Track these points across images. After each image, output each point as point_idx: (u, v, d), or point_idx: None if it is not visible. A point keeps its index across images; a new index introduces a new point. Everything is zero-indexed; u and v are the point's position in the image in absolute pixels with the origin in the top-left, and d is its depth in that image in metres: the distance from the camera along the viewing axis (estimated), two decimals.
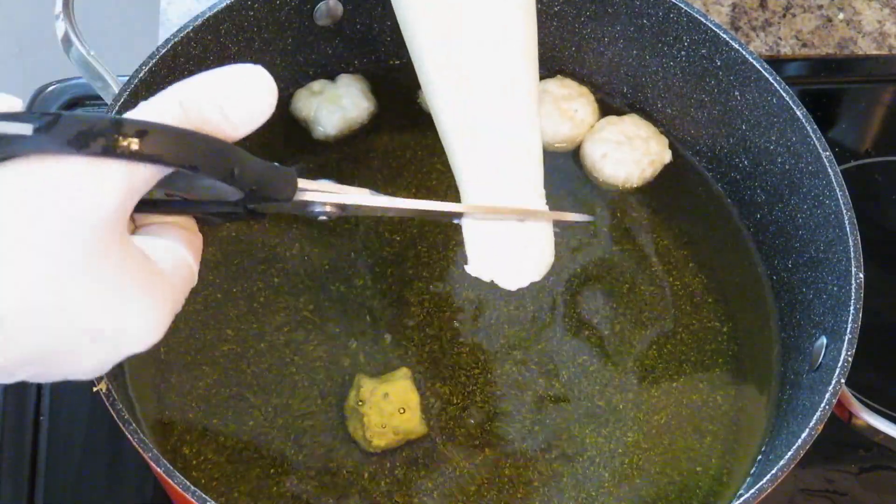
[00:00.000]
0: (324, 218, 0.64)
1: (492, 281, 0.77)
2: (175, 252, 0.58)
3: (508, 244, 0.76)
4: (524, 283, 0.77)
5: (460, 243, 0.80)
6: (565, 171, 0.97)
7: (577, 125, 0.97)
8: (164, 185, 0.55)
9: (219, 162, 0.54)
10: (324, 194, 0.63)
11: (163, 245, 0.58)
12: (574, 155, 0.98)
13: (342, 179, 0.87)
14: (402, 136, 0.98)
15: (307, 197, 0.62)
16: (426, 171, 0.96)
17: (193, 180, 0.57)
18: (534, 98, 0.78)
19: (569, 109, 0.97)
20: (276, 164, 0.59)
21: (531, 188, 0.77)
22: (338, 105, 0.96)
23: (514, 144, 0.76)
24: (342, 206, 0.64)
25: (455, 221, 0.76)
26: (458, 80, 0.76)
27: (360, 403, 0.80)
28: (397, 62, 1.00)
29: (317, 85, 0.98)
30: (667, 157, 0.97)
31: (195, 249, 0.60)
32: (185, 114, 0.53)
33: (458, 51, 0.76)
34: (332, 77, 0.98)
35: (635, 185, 0.96)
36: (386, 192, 0.89)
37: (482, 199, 0.76)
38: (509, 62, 0.76)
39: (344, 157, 0.96)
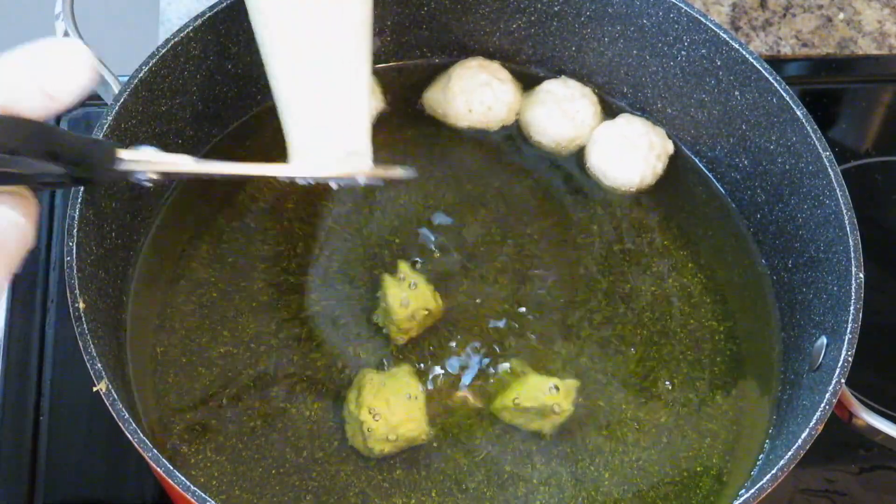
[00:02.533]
0: (148, 184, 0.66)
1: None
2: (2, 215, 0.58)
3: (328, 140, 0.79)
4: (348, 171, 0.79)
5: (465, 251, 0.81)
6: (568, 173, 0.97)
7: (579, 126, 0.97)
8: None
9: (38, 144, 0.56)
10: (144, 163, 0.65)
11: None
12: (575, 157, 0.98)
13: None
14: (404, 136, 0.98)
15: (129, 167, 0.64)
16: (424, 172, 0.96)
17: (13, 160, 0.58)
18: (362, 59, 0.80)
19: (570, 110, 0.97)
20: (95, 137, 0.60)
21: (358, 145, 0.79)
22: None
23: (337, 104, 0.79)
24: (163, 173, 0.66)
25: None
26: (293, 48, 0.78)
27: (361, 408, 0.80)
28: (398, 62, 1.00)
29: None
30: (670, 146, 0.97)
31: (27, 212, 0.59)
32: (7, 94, 0.54)
33: (294, 25, 0.78)
34: None
35: (650, 184, 0.95)
36: (384, 193, 0.90)
37: (306, 151, 0.78)
38: (340, 37, 0.78)
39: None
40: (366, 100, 0.80)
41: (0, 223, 0.57)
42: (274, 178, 0.81)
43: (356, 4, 0.80)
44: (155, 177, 0.66)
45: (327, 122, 0.79)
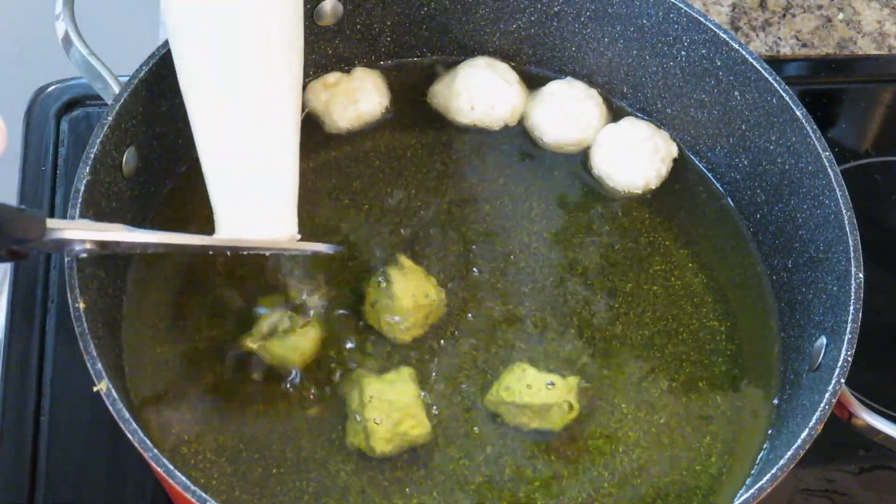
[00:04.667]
0: (84, 255, 0.66)
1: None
2: None
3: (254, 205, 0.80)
4: (272, 236, 0.80)
5: (467, 249, 0.81)
6: (572, 173, 0.97)
7: (583, 129, 0.97)
8: None
9: None
10: (77, 231, 0.65)
11: None
12: (580, 158, 0.97)
13: (344, 177, 0.87)
14: (407, 134, 0.98)
15: (63, 235, 0.64)
16: (426, 170, 0.96)
17: None
18: (289, 129, 0.81)
19: (574, 112, 0.97)
20: (22, 207, 0.61)
21: (281, 214, 0.80)
22: (351, 99, 0.96)
23: (263, 173, 0.79)
24: (100, 244, 0.66)
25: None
26: (216, 112, 0.79)
27: (363, 407, 0.80)
28: (398, 60, 1.00)
29: (332, 77, 0.97)
30: (674, 150, 0.97)
31: None
32: None
33: (218, 84, 0.79)
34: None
35: (654, 187, 0.96)
36: (384, 192, 0.91)
37: (231, 223, 0.79)
38: (262, 101, 0.79)
39: (347, 153, 0.96)
40: (293, 168, 0.81)
41: None
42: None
43: (284, 66, 0.80)
44: (90, 247, 0.65)
45: (251, 190, 0.79)
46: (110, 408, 0.71)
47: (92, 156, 0.78)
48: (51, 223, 0.62)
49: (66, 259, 0.74)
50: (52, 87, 1.05)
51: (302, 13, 0.83)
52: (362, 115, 0.96)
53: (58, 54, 0.87)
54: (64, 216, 0.78)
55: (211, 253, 0.81)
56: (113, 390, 0.71)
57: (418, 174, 0.96)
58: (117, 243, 0.67)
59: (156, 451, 0.70)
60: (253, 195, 0.79)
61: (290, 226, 0.80)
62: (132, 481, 0.88)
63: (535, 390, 0.82)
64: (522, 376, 0.84)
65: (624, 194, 0.96)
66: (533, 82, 1.00)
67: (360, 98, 0.96)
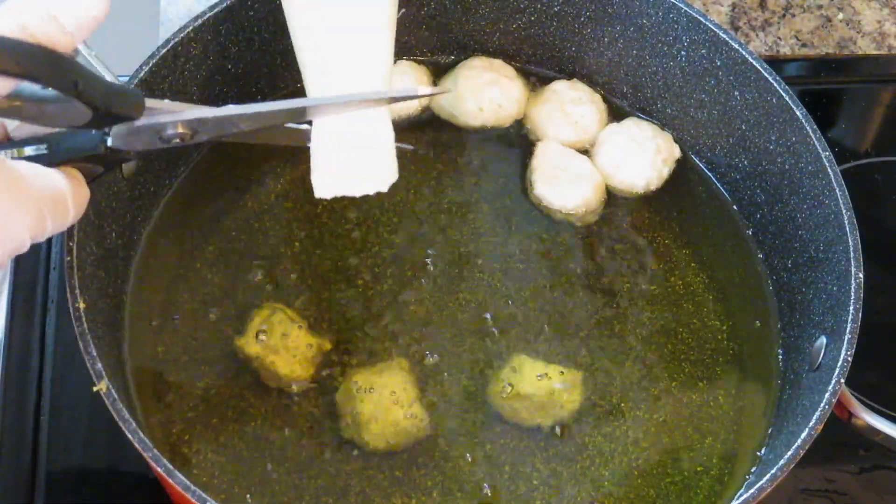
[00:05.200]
0: (177, 141, 0.66)
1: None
2: (47, 179, 0.61)
3: (352, 157, 0.78)
4: (370, 191, 0.79)
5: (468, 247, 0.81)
6: None
7: (581, 131, 0.97)
8: (14, 113, 0.58)
9: (60, 73, 0.56)
10: (172, 113, 0.66)
11: (37, 172, 0.61)
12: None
13: None
14: (412, 136, 0.98)
15: (158, 118, 0.65)
16: (426, 169, 0.96)
17: (43, 105, 0.59)
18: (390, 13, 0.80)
19: (573, 114, 0.97)
20: (119, 83, 0.61)
21: (377, 78, 0.79)
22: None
23: (359, 40, 0.79)
24: (192, 123, 0.66)
25: (303, 127, 0.78)
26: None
27: (353, 399, 0.80)
28: (397, 61, 1.00)
29: None
30: (676, 151, 0.97)
31: (74, 189, 0.63)
32: (23, 27, 0.56)
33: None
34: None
35: (656, 188, 0.95)
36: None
37: (327, 88, 0.79)
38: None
39: None
40: (389, 40, 0.81)
41: (42, 184, 0.60)
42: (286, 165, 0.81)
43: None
44: (184, 131, 0.66)
45: (350, 60, 0.79)
46: (110, 408, 0.71)
47: None
48: (148, 102, 0.64)
49: (65, 259, 0.74)
50: None
51: None
52: (395, 110, 0.96)
53: None
54: None
55: (293, 140, 0.79)
56: (113, 390, 0.71)
57: (418, 173, 0.96)
58: (208, 122, 0.67)
59: (156, 451, 0.70)
60: (351, 59, 0.79)
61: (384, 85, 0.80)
62: (132, 481, 0.88)
63: (536, 381, 0.82)
64: (522, 368, 0.84)
65: (625, 194, 0.96)
66: (537, 80, 1.00)
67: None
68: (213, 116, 0.67)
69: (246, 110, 0.68)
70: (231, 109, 0.68)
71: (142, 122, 0.65)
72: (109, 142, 0.65)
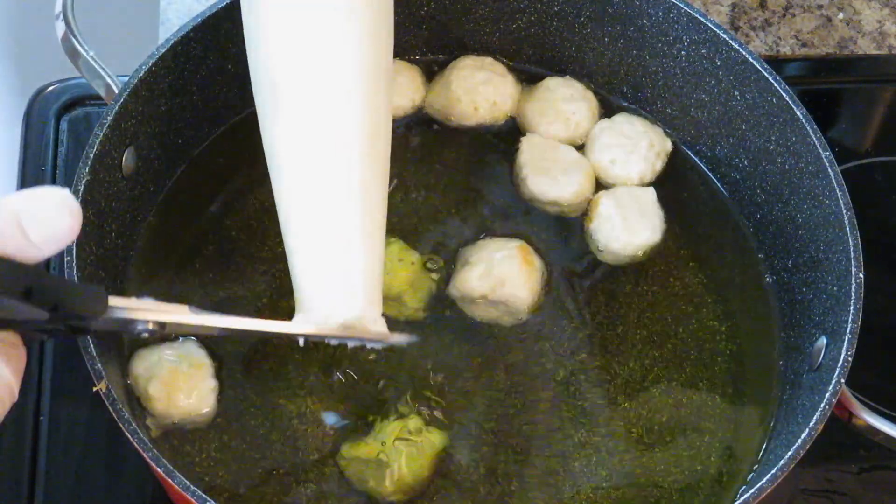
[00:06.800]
0: (146, 335, 0.64)
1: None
2: None
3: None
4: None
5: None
6: None
7: (572, 128, 0.97)
8: None
9: (10, 281, 0.54)
10: (140, 312, 0.63)
11: None
12: None
13: None
14: (409, 138, 0.98)
15: (123, 315, 0.62)
16: (426, 169, 0.96)
17: None
18: (369, 218, 0.76)
19: (566, 111, 0.97)
20: (82, 283, 0.59)
21: (361, 300, 0.74)
22: None
23: (343, 262, 0.75)
24: (162, 325, 0.65)
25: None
26: (301, 201, 0.76)
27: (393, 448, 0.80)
28: (397, 61, 1.00)
29: None
30: (668, 145, 0.97)
31: (14, 366, 0.60)
32: None
33: (303, 175, 0.76)
34: None
35: (650, 182, 0.95)
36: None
37: (310, 309, 0.75)
38: (345, 193, 0.75)
39: None
40: (379, 254, 0.77)
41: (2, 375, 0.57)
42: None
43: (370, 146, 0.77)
44: (152, 327, 0.64)
45: (335, 278, 0.75)
46: (110, 408, 0.71)
47: (91, 156, 0.78)
48: (113, 301, 0.61)
49: (65, 258, 0.74)
50: (52, 87, 1.05)
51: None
52: (393, 108, 0.96)
53: (58, 54, 0.87)
54: None
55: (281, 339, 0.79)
56: (113, 390, 0.71)
57: (417, 173, 0.96)
58: (181, 325, 0.66)
59: (156, 451, 0.70)
60: (339, 284, 0.75)
61: (374, 319, 0.75)
62: (132, 481, 0.88)
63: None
64: None
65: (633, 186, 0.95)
66: (530, 77, 1.00)
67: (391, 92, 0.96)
68: (186, 323, 0.66)
69: (220, 323, 0.68)
70: (205, 320, 0.67)
71: (109, 315, 0.62)
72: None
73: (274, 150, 0.78)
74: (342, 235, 0.75)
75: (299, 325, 0.75)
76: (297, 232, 0.76)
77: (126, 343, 0.82)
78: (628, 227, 0.91)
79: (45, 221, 0.55)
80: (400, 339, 0.77)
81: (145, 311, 0.64)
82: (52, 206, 0.56)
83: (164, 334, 0.66)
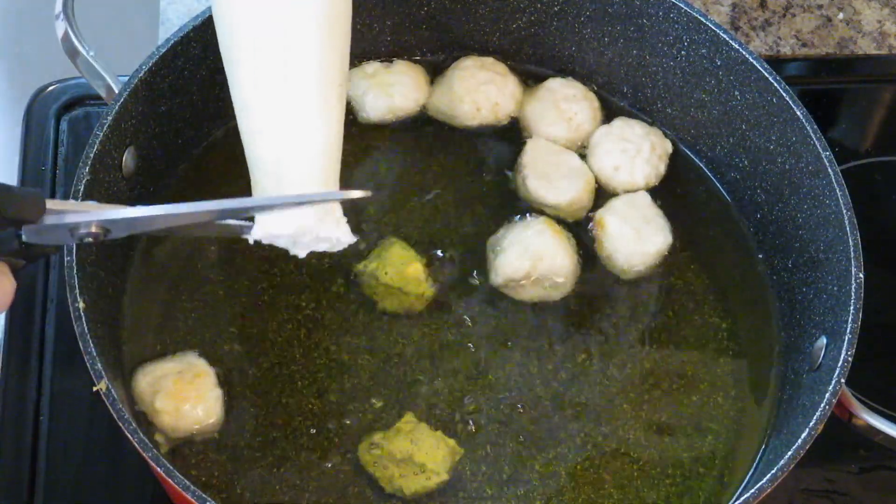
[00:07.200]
0: (90, 239, 0.64)
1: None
2: None
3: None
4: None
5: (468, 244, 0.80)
6: None
7: (574, 129, 0.97)
8: None
9: None
10: (79, 213, 0.63)
11: None
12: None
13: (345, 168, 0.85)
14: (413, 134, 0.98)
15: (66, 219, 0.62)
16: (423, 169, 0.96)
17: None
18: (325, 99, 0.77)
19: (567, 111, 0.97)
20: (15, 186, 0.60)
21: (315, 177, 0.76)
22: (386, 92, 0.96)
23: (297, 141, 0.76)
24: (104, 225, 0.64)
25: (237, 223, 0.74)
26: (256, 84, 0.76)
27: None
28: (397, 61, 1.00)
29: (370, 67, 0.97)
30: (668, 146, 0.97)
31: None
32: None
33: (260, 66, 0.76)
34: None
35: (654, 185, 0.95)
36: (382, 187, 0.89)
37: (267, 189, 0.75)
38: (300, 76, 0.76)
39: (368, 146, 0.96)
40: (337, 130, 0.78)
41: None
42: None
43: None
44: (95, 230, 0.64)
45: (292, 152, 0.76)
46: (110, 408, 0.71)
47: (91, 156, 0.78)
48: (51, 204, 0.61)
49: (66, 258, 0.74)
50: (52, 86, 1.05)
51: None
52: (395, 108, 0.96)
53: (58, 54, 0.87)
54: None
55: (225, 232, 0.76)
56: (113, 390, 0.71)
57: (416, 173, 0.96)
58: (121, 222, 0.65)
59: (156, 451, 0.70)
60: (288, 158, 0.76)
61: (324, 184, 0.76)
62: (132, 481, 0.88)
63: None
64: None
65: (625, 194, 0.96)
66: (532, 77, 1.00)
67: (394, 92, 0.96)
68: (121, 218, 0.65)
69: (155, 212, 0.66)
70: (139, 211, 0.66)
71: (50, 221, 0.63)
72: (24, 237, 0.64)
73: (231, 40, 0.77)
74: (300, 111, 0.76)
75: (255, 199, 0.74)
76: (255, 111, 0.76)
77: (126, 360, 0.83)
78: (641, 238, 0.91)
79: None
80: (354, 194, 0.74)
81: (86, 211, 0.63)
82: None
83: (112, 240, 0.65)
